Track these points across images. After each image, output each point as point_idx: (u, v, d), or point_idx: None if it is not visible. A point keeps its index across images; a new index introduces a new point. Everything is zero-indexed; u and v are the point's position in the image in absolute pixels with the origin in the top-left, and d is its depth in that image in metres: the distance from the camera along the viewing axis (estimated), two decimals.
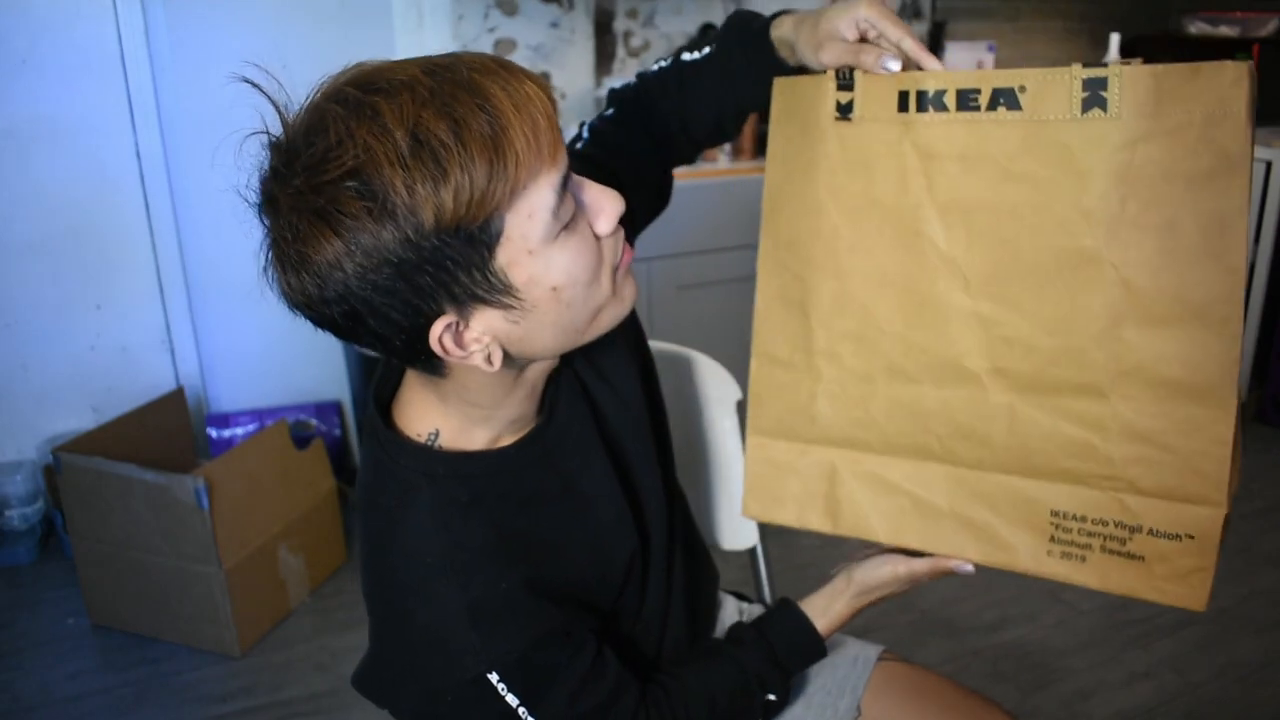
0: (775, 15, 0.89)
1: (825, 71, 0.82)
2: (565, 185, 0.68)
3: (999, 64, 3.20)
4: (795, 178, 0.86)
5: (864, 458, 0.88)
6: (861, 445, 0.88)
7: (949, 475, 0.84)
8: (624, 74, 2.76)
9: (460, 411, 0.78)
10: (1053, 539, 0.81)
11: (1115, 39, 3.22)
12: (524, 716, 0.78)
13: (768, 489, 0.94)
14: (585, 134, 0.96)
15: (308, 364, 2.73)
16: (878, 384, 0.85)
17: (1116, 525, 0.79)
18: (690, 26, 2.75)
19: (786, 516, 0.93)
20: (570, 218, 0.69)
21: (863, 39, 0.81)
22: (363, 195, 0.61)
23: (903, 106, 0.79)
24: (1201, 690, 1.90)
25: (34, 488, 2.44)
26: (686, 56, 0.95)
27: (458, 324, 0.69)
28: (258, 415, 2.62)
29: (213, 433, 2.60)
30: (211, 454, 2.56)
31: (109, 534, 2.02)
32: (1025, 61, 3.37)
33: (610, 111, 0.99)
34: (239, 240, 2.97)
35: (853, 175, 0.82)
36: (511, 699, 0.78)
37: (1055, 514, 0.81)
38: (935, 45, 3.10)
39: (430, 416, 0.79)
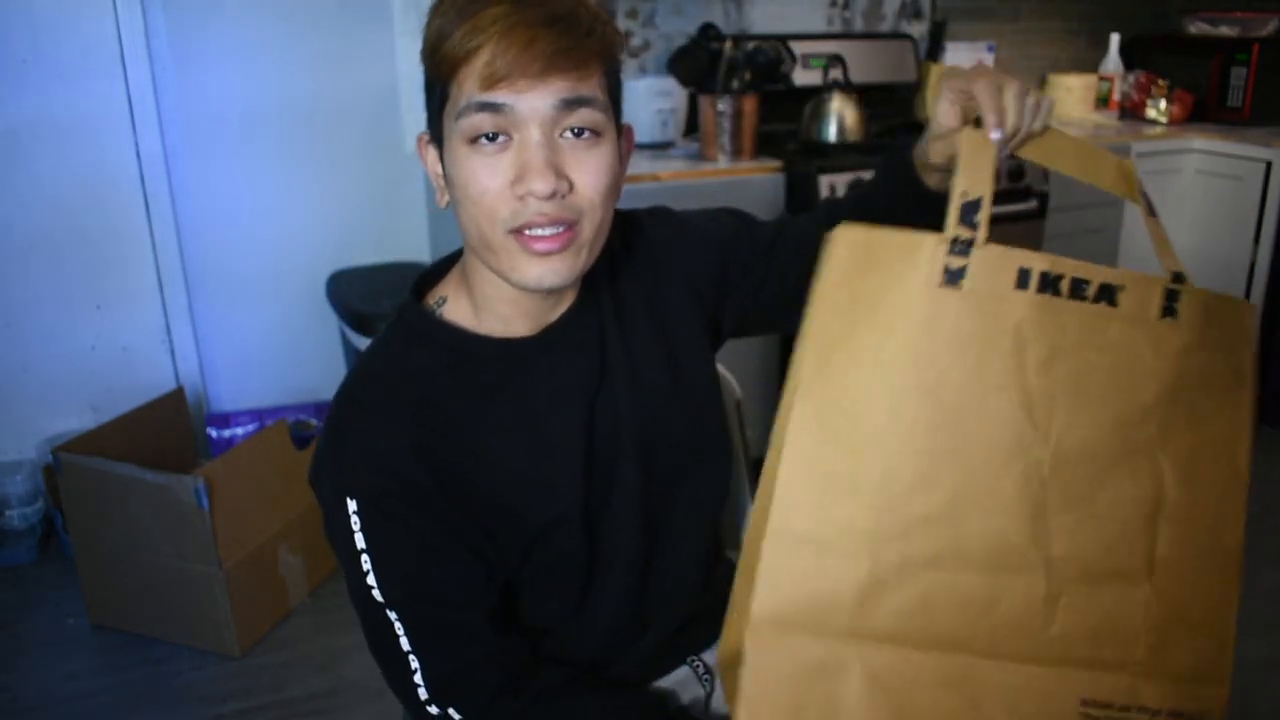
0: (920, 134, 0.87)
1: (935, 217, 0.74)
2: (491, 111, 0.76)
3: (999, 64, 3.20)
4: (863, 336, 0.74)
5: (902, 653, 0.78)
6: (901, 639, 0.77)
7: (981, 671, 0.79)
8: (624, 74, 2.75)
9: (465, 289, 0.88)
10: None
11: (1115, 39, 3.22)
12: (365, 567, 0.83)
13: (777, 699, 0.76)
14: (785, 217, 1.02)
15: (308, 364, 2.73)
16: (935, 573, 0.77)
17: (1137, 709, 0.81)
18: (690, 26, 2.75)
19: None
20: (480, 137, 0.77)
21: (965, 119, 0.79)
22: (432, 5, 0.79)
23: (1022, 284, 0.74)
24: None
25: (34, 488, 2.44)
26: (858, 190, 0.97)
27: (427, 147, 0.84)
28: (258, 415, 2.62)
29: (213, 433, 2.60)
30: (211, 454, 2.56)
31: (109, 534, 2.02)
32: (1025, 62, 3.37)
33: (815, 214, 1.00)
34: (239, 240, 2.98)
35: (946, 346, 0.73)
36: (360, 538, 0.83)
37: (1085, 702, 0.81)
38: (935, 45, 3.11)
39: (444, 288, 0.91)
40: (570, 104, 0.77)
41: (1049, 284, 0.74)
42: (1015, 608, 0.77)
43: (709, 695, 1.05)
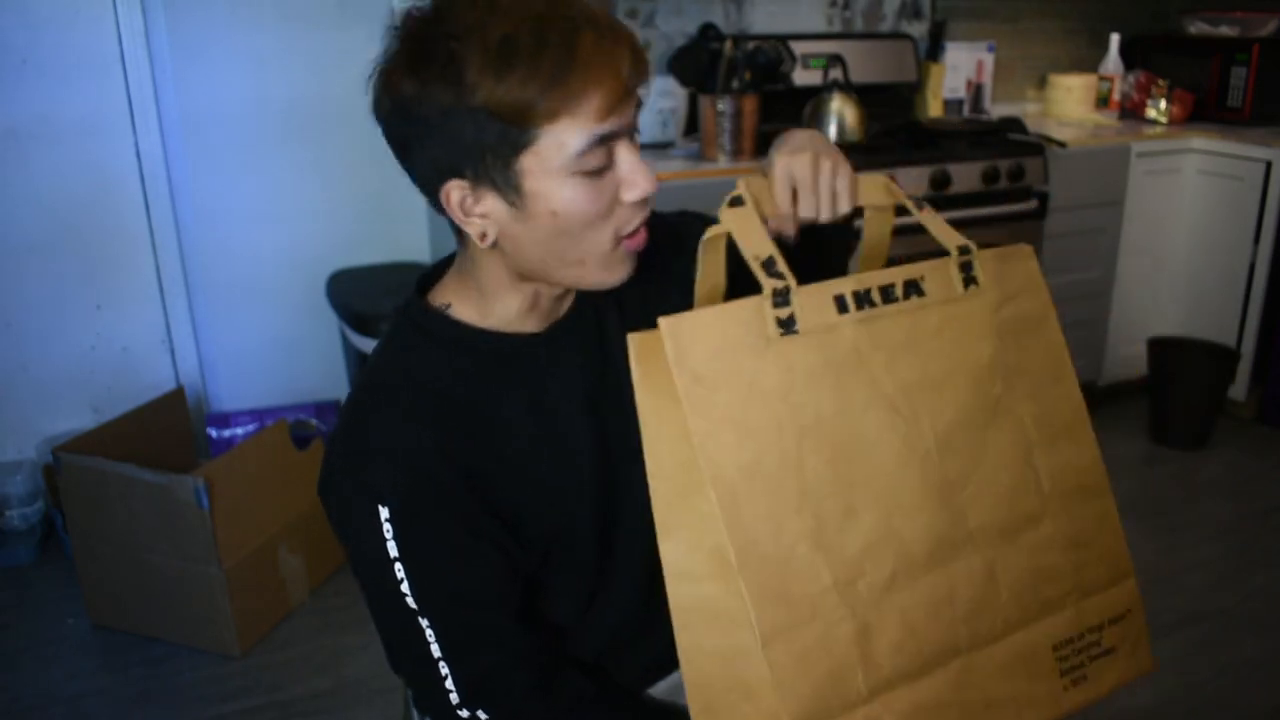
0: None
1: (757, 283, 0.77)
2: (605, 141, 0.78)
3: (999, 64, 3.20)
4: (735, 414, 0.74)
5: (915, 688, 0.79)
6: (908, 674, 0.78)
7: (976, 664, 0.82)
8: None
9: (468, 291, 0.88)
10: (1061, 673, 0.86)
11: (1115, 39, 3.22)
12: (399, 576, 0.82)
13: None
14: None
15: (308, 364, 2.73)
16: (900, 592, 0.78)
17: (1090, 631, 0.88)
18: (690, 26, 2.75)
19: None
20: (597, 168, 0.78)
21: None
22: (450, 57, 0.74)
23: (842, 308, 0.79)
24: (1201, 690, 1.90)
25: (34, 488, 2.44)
26: None
27: (468, 194, 0.80)
28: (258, 415, 2.62)
29: (213, 433, 2.60)
30: (211, 454, 2.56)
31: (109, 534, 2.02)
32: (1025, 61, 3.37)
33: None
34: (239, 240, 2.98)
35: (807, 386, 0.77)
36: (392, 547, 0.82)
37: (1056, 648, 0.86)
38: (935, 45, 3.11)
39: (448, 293, 0.90)
40: (638, 109, 0.81)
41: (863, 300, 0.80)
42: (969, 591, 0.82)
43: None
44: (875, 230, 0.91)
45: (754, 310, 0.76)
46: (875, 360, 0.80)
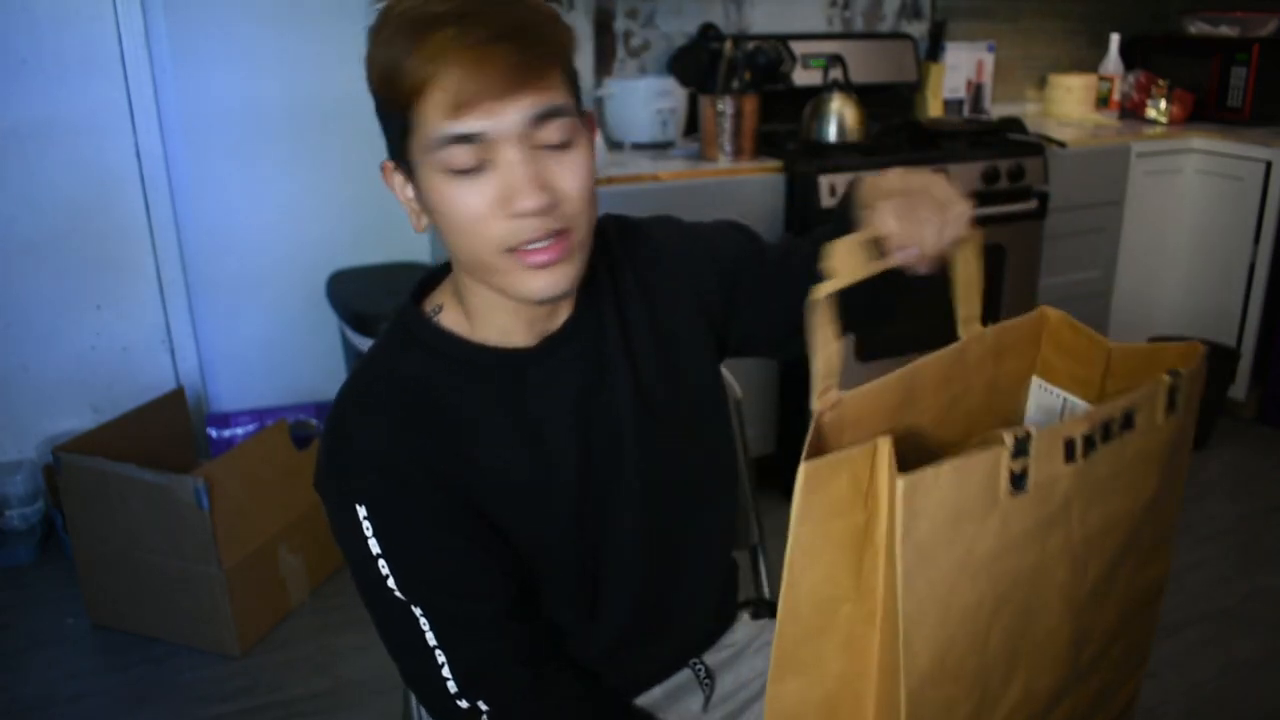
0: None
1: (995, 438, 0.66)
2: (467, 142, 0.75)
3: (999, 64, 3.20)
4: (943, 594, 0.66)
5: None
6: None
7: None
8: (623, 74, 2.76)
9: (459, 300, 0.88)
10: None
11: (1115, 39, 3.22)
12: (384, 571, 0.83)
13: None
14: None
15: (308, 364, 2.73)
16: None
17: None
18: (690, 26, 2.75)
19: None
20: (469, 168, 0.76)
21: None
22: (371, 30, 0.77)
23: (1069, 456, 0.69)
24: (1201, 690, 1.90)
25: (34, 488, 2.44)
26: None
27: (397, 174, 0.82)
28: (258, 415, 2.62)
29: (213, 433, 2.60)
30: (211, 454, 2.56)
31: (109, 534, 2.02)
32: (1025, 61, 3.37)
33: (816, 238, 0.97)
34: (239, 240, 2.98)
35: (1015, 550, 0.68)
36: (373, 543, 0.82)
37: None
38: (935, 45, 3.10)
39: (440, 296, 0.90)
40: (541, 118, 0.76)
41: (1090, 445, 0.70)
42: None
43: (708, 698, 1.05)
44: (966, 271, 0.81)
45: (990, 464, 0.65)
46: (1076, 509, 0.71)
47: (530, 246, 0.78)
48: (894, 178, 0.82)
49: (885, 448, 0.64)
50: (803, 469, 0.63)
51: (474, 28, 0.73)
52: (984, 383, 0.81)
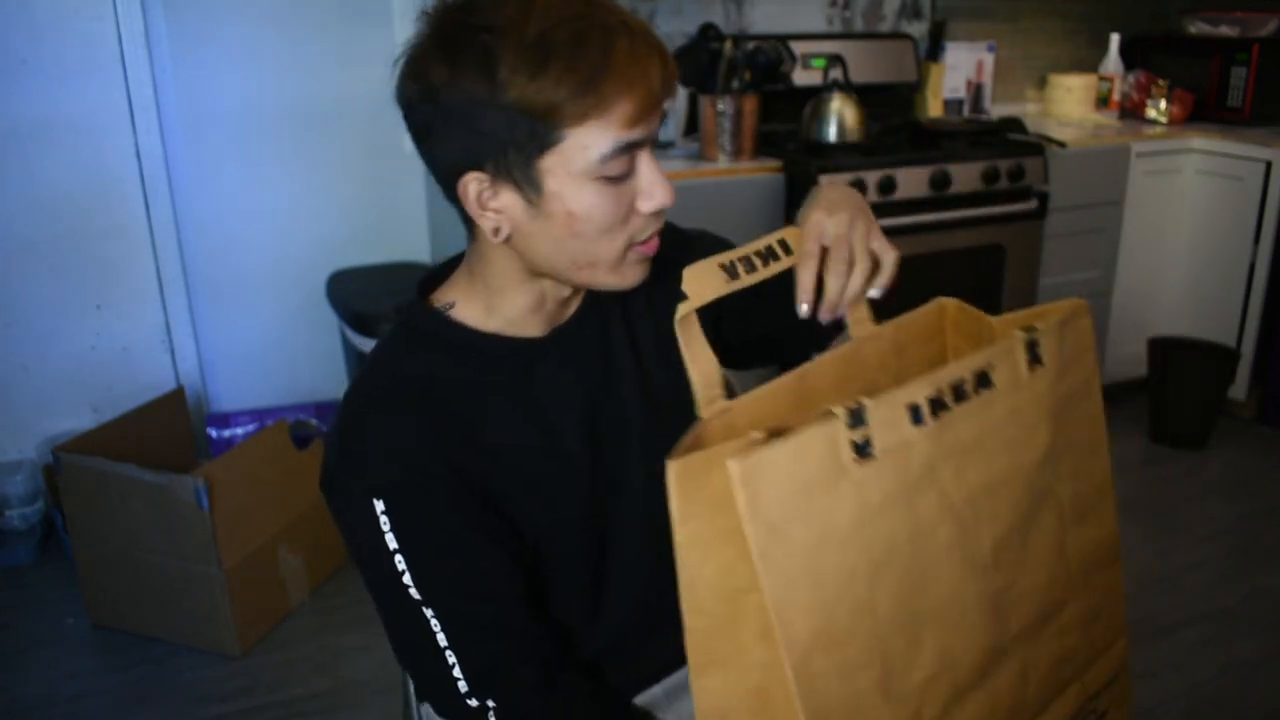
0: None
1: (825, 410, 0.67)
2: (629, 150, 0.78)
3: (999, 64, 3.20)
4: (808, 566, 0.66)
5: None
6: None
7: None
8: None
9: (475, 289, 0.88)
10: None
11: (1115, 39, 3.22)
12: (400, 567, 0.82)
13: None
14: None
15: (308, 364, 2.73)
16: (952, 718, 0.75)
17: (1090, 699, 0.86)
18: (690, 26, 2.75)
19: None
20: (619, 175, 0.79)
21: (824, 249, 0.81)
22: (485, 50, 0.74)
23: (916, 419, 0.69)
24: (1201, 690, 1.90)
25: (34, 488, 2.44)
26: None
27: (486, 188, 0.80)
28: (258, 415, 2.62)
29: (213, 433, 2.60)
30: (211, 454, 2.56)
31: (109, 534, 2.02)
32: (1025, 61, 3.37)
33: None
34: (239, 240, 2.98)
35: (882, 519, 0.68)
36: (391, 539, 0.82)
37: None
38: (935, 45, 3.10)
39: (453, 292, 0.90)
40: (663, 120, 0.82)
41: (937, 406, 0.70)
42: (1008, 700, 0.79)
43: None
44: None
45: (827, 438, 0.65)
46: (946, 472, 0.71)
47: (647, 239, 0.84)
48: (820, 217, 0.82)
49: (735, 446, 0.66)
50: (671, 467, 0.66)
51: (638, 37, 0.76)
52: (890, 378, 0.83)
